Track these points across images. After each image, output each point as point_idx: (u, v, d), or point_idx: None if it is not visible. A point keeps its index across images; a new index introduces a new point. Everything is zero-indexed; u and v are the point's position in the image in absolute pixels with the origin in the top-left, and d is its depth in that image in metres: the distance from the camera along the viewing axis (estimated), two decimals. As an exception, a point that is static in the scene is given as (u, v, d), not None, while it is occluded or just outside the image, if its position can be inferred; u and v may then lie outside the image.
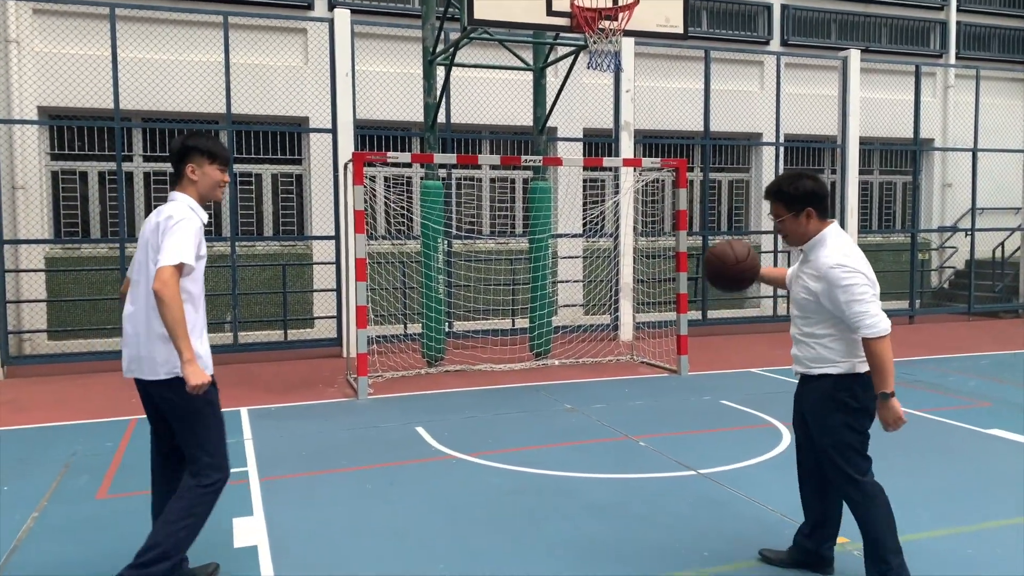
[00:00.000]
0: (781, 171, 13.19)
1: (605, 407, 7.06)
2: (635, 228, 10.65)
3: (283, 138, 11.53)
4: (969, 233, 13.47)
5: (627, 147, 11.02)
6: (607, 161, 8.89)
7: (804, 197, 3.33)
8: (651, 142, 12.60)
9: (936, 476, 5.06)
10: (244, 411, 6.94)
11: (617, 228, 10.97)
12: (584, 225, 11.05)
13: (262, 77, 11.02)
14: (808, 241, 3.37)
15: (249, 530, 4.20)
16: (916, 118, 12.84)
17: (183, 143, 3.39)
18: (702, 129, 11.94)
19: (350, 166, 7.91)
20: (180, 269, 3.13)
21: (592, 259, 11.60)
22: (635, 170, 9.77)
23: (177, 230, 3.16)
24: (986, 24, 15.48)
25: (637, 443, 5.84)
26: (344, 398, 7.55)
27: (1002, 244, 13.88)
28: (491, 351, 9.36)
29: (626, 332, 10.81)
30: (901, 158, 14.69)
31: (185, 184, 3.38)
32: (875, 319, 3.12)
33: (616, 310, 11.06)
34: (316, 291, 11.04)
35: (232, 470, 3.48)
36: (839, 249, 3.26)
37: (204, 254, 3.30)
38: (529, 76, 10.54)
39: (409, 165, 10.96)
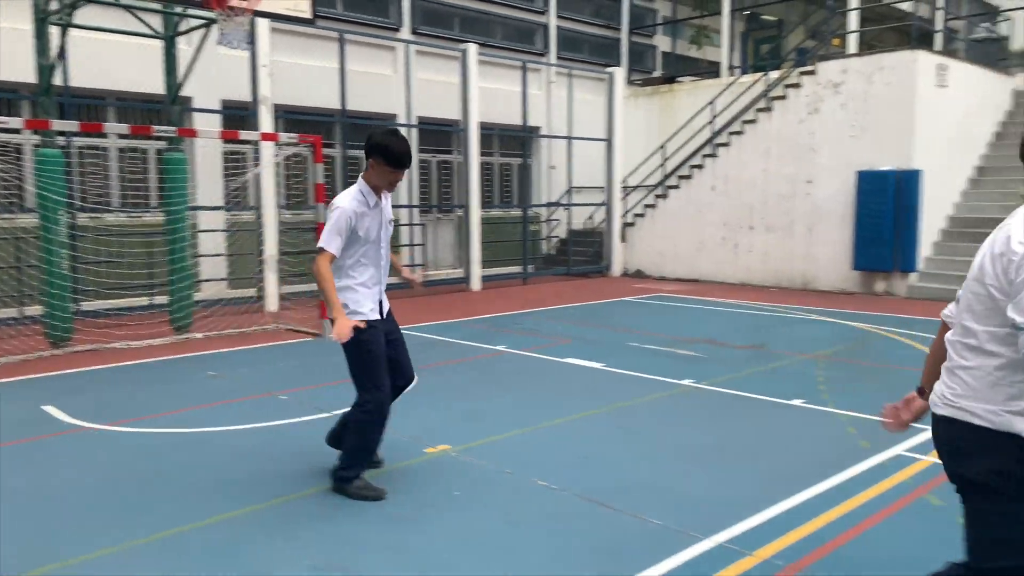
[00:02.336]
0: (416, 150, 14.40)
1: (249, 370, 7.43)
2: (278, 201, 10.95)
3: None
4: (568, 208, 16.03)
5: (266, 121, 11.23)
6: (244, 134, 9.09)
7: None
8: (291, 117, 12.91)
9: (522, 393, 6.38)
10: None
11: (260, 201, 11.16)
12: (226, 198, 11.05)
13: None
14: None
15: None
16: (524, 108, 14.89)
17: None
18: (340, 107, 12.57)
19: (-56, 130, 7.10)
20: None
21: (235, 233, 11.63)
22: (275, 144, 10.07)
23: None
24: (579, 30, 18.32)
25: (278, 397, 6.35)
26: (-50, 386, 6.88)
27: (591, 217, 16.76)
28: (128, 329, 9.05)
29: (272, 303, 11.11)
30: (516, 143, 16.84)
31: None
32: None
33: (261, 282, 11.29)
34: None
35: None
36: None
37: None
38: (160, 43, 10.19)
39: (19, 131, 9.95)
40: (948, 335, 2.29)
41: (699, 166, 15.42)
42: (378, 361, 4.19)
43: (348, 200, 4.08)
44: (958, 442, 2.20)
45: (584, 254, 16.57)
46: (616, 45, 19.03)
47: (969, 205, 13.76)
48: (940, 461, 2.32)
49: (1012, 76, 15.46)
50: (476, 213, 14.08)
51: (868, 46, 19.80)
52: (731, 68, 18.12)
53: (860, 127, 13.20)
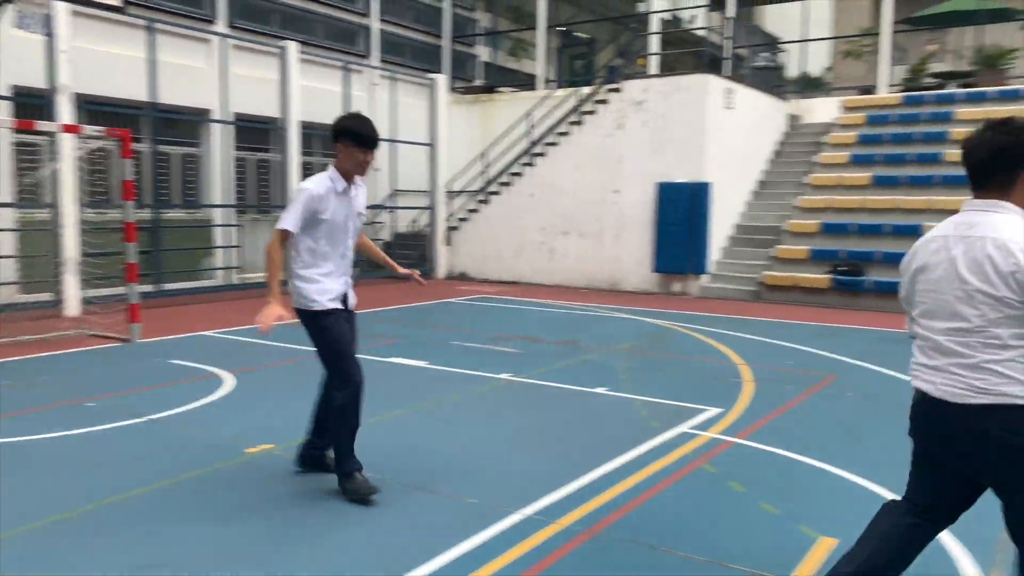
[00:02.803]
0: (232, 147, 13.97)
1: (49, 378, 6.99)
2: (80, 199, 10.26)
3: None
4: (392, 211, 16.18)
5: (65, 111, 10.49)
6: (41, 125, 8.47)
7: None
8: (95, 108, 12.10)
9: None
10: None
11: (58, 198, 10.40)
12: (19, 194, 10.19)
13: None
14: None
15: None
16: (346, 109, 14.86)
17: None
18: (149, 100, 11.96)
19: None
20: None
21: (28, 232, 10.75)
22: (76, 137, 9.45)
23: None
24: (402, 35, 18.52)
25: (84, 404, 6.07)
26: None
27: (416, 220, 17.02)
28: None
29: (72, 307, 10.38)
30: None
31: None
32: None
33: (60, 285, 10.51)
34: None
35: None
36: None
37: None
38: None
39: None
40: (949, 340, 2.55)
41: (518, 174, 16.12)
42: (345, 344, 4.20)
43: (315, 182, 4.08)
44: (1006, 422, 2.46)
45: (409, 257, 16.75)
46: (438, 52, 19.41)
47: (751, 215, 15.41)
48: (946, 445, 2.65)
49: (787, 101, 17.49)
50: (297, 214, 13.87)
51: (670, 68, 21.57)
52: (547, 81, 19.06)
53: (659, 142, 14.43)
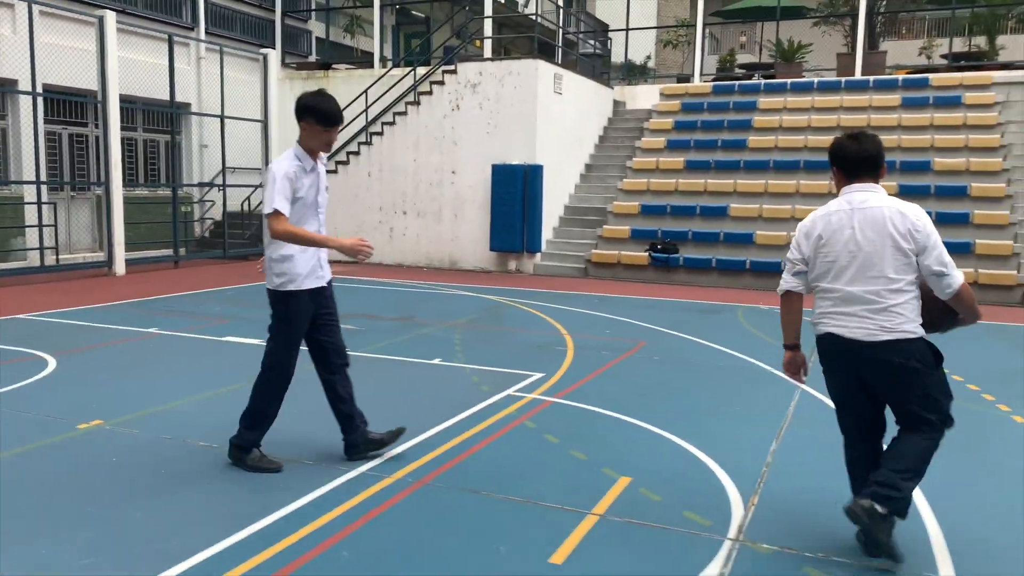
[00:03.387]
0: (42, 120, 13.03)
1: None
2: None
3: None
4: (222, 189, 15.71)
5: None
6: None
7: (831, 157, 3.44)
8: None
9: (178, 369, 6.52)
10: None
11: None
12: None
13: None
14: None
15: None
16: (171, 83, 14.26)
17: None
18: (-57, 67, 10.97)
19: None
20: None
21: None
22: None
23: None
24: (231, 7, 17.85)
25: None
26: None
27: (248, 198, 16.61)
28: None
29: None
30: (163, 118, 15.98)
31: None
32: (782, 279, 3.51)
33: None
34: None
35: None
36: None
37: None
38: None
39: None
40: (857, 289, 3.24)
41: (356, 152, 16.12)
42: (298, 332, 4.29)
43: (285, 163, 4.09)
44: (907, 352, 3.19)
45: (241, 236, 16.36)
46: (270, 26, 18.88)
47: (579, 196, 16.34)
48: (854, 374, 3.36)
49: (612, 88, 18.56)
50: (118, 191, 13.23)
51: (506, 51, 22.17)
52: (383, 59, 19.07)
53: (494, 124, 14.96)
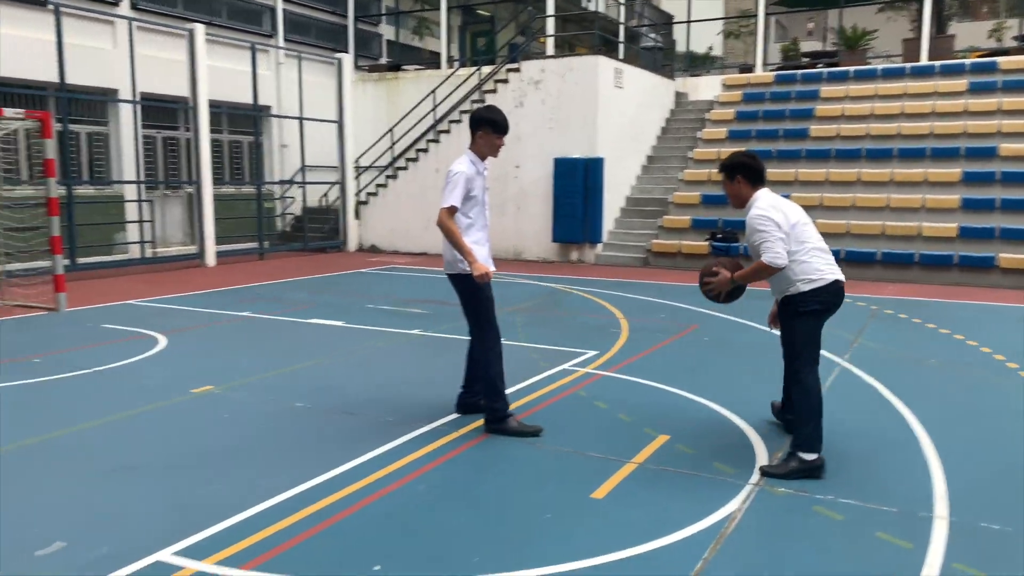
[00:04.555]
0: (140, 126, 14.23)
1: (-12, 344, 7.52)
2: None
3: None
4: (302, 186, 16.73)
5: (-26, 92, 10.66)
6: (-39, 108, 8.79)
7: (734, 167, 4.47)
8: (4, 91, 12.19)
9: (272, 345, 7.34)
10: None
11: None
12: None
13: None
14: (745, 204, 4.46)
15: None
16: (254, 88, 15.31)
17: None
18: (57, 80, 12.17)
19: None
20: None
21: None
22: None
23: None
24: (307, 15, 18.89)
25: (32, 361, 6.67)
26: None
27: (326, 195, 17.61)
28: None
29: (-10, 282, 10.65)
30: (246, 121, 17.09)
31: None
32: (770, 253, 4.23)
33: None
34: None
35: None
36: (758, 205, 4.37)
37: None
38: None
39: None
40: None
41: (424, 150, 16.91)
42: (491, 305, 5.00)
43: (464, 165, 4.78)
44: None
45: (320, 230, 17.37)
46: (343, 31, 19.87)
47: (640, 187, 16.75)
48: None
49: (674, 80, 18.87)
50: (208, 189, 14.32)
51: (570, 47, 22.66)
52: (450, 59, 19.83)
53: (556, 120, 15.51)
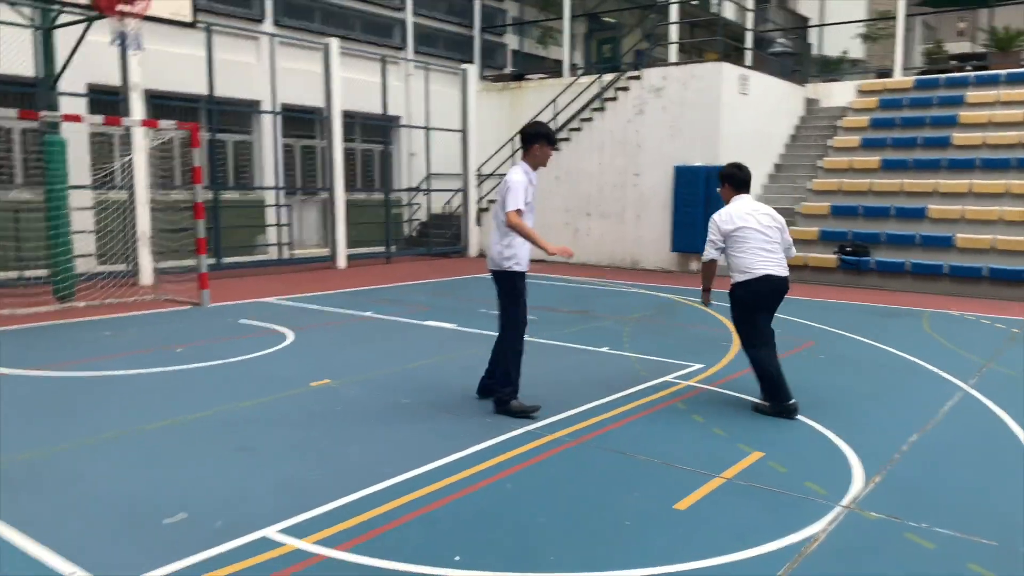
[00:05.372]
0: (280, 135, 15.27)
1: (139, 330, 8.34)
2: (152, 182, 11.60)
3: None
4: (426, 193, 17.37)
5: (137, 107, 11.82)
6: (126, 121, 9.82)
7: (723, 176, 5.79)
8: (158, 102, 13.43)
9: (390, 344, 7.75)
10: None
11: (132, 182, 11.76)
12: (103, 178, 11.54)
13: None
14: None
15: None
16: (384, 98, 16.07)
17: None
18: (207, 93, 13.28)
19: None
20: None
21: (103, 211, 12.14)
22: (150, 129, 10.74)
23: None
24: (435, 27, 19.61)
25: (175, 350, 7.38)
26: None
27: (449, 202, 18.21)
28: (10, 299, 9.58)
29: (146, 277, 11.77)
30: (378, 130, 17.94)
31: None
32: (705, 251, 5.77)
33: (135, 258, 11.90)
34: None
35: None
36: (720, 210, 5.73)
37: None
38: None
39: None
40: (774, 250, 5.58)
41: (544, 157, 17.13)
42: (525, 307, 5.68)
43: (522, 175, 5.44)
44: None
45: (443, 236, 17.98)
46: (469, 42, 20.47)
47: (766, 197, 16.26)
48: (777, 300, 5.71)
49: (804, 86, 18.24)
50: (341, 196, 15.16)
51: (699, 52, 22.33)
52: (573, 67, 20.01)
53: (677, 127, 15.37)
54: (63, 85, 12.08)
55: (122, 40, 7.78)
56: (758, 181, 16.31)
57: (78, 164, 11.88)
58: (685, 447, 4.94)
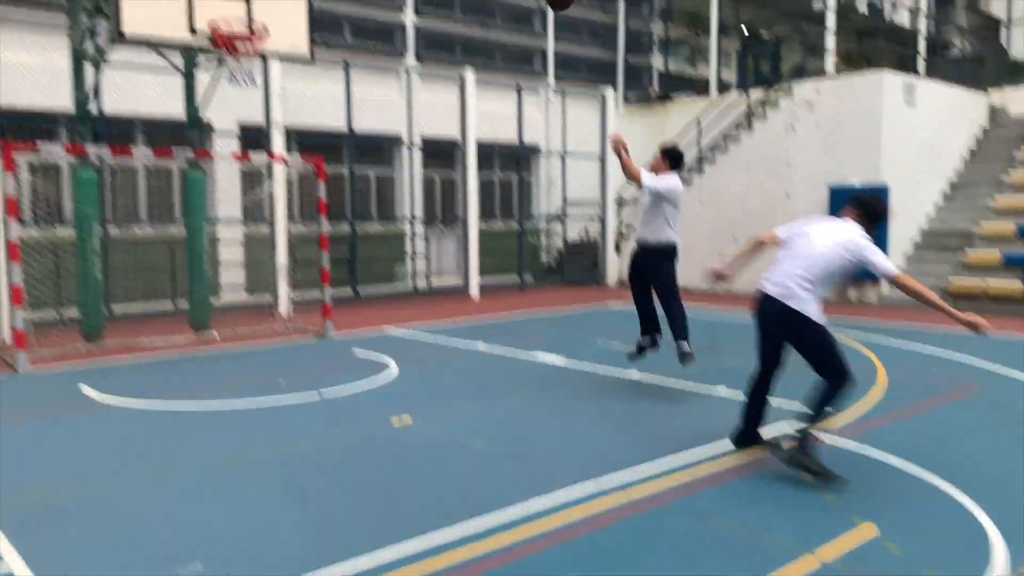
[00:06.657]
0: (418, 168, 15.53)
1: (257, 362, 8.57)
2: (291, 215, 12.09)
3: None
4: (562, 221, 17.04)
5: (278, 143, 12.39)
6: (253, 157, 10.23)
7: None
8: (303, 140, 14.06)
9: (480, 380, 7.42)
10: None
11: (272, 215, 12.32)
12: (252, 211, 12.20)
13: None
14: None
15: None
16: (519, 128, 15.96)
17: None
18: (347, 128, 13.73)
19: (-2, 155, 8.29)
20: None
21: (252, 243, 12.80)
22: (284, 164, 11.21)
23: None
24: (576, 53, 19.37)
25: (279, 382, 7.44)
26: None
27: (586, 228, 17.76)
28: (154, 328, 10.22)
29: (284, 307, 12.23)
30: (515, 159, 17.87)
31: None
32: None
33: (275, 289, 12.43)
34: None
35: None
36: None
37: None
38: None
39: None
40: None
41: (687, 181, 16.33)
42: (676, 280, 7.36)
43: (679, 185, 7.16)
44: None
45: (581, 264, 17.55)
46: (613, 65, 20.04)
47: (939, 218, 14.55)
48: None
49: (987, 93, 16.22)
50: (474, 226, 15.15)
51: (868, 61, 20.60)
52: (720, 86, 19.04)
53: (832, 143, 14.09)
54: (217, 124, 12.99)
55: (238, 77, 8.08)
56: (929, 199, 14.63)
57: (227, 198, 12.67)
58: (784, 513, 4.19)
